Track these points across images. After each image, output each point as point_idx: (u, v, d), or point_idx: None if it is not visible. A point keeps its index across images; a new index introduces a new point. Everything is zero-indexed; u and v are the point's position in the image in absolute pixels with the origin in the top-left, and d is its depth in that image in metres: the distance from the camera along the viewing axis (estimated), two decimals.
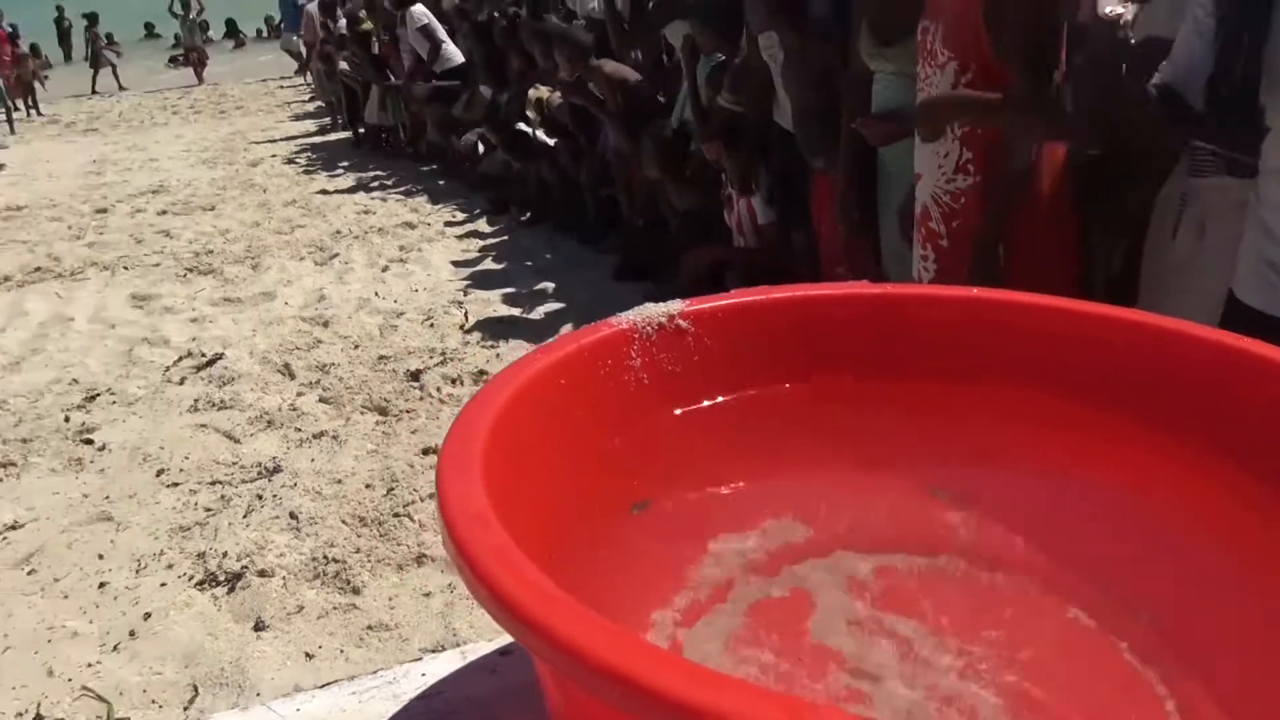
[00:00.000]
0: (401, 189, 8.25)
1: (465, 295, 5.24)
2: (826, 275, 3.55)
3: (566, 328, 4.62)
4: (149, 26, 24.64)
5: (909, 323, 1.07)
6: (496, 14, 7.16)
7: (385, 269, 5.85)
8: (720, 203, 4.29)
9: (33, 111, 15.98)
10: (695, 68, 4.27)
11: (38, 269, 6.39)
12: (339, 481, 3.28)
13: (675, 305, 1.00)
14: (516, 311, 4.96)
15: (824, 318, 1.07)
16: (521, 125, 6.52)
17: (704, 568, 0.97)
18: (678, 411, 1.02)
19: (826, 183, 3.36)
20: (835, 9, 3.25)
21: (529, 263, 5.80)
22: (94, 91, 18.58)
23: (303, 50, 17.87)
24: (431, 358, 4.33)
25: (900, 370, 1.06)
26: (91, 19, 19.51)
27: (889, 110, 2.87)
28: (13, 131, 13.78)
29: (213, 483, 3.36)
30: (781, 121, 3.71)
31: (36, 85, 17.12)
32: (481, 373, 4.11)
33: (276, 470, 3.39)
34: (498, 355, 4.31)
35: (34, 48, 18.74)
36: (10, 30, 17.12)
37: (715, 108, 4.10)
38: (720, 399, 1.05)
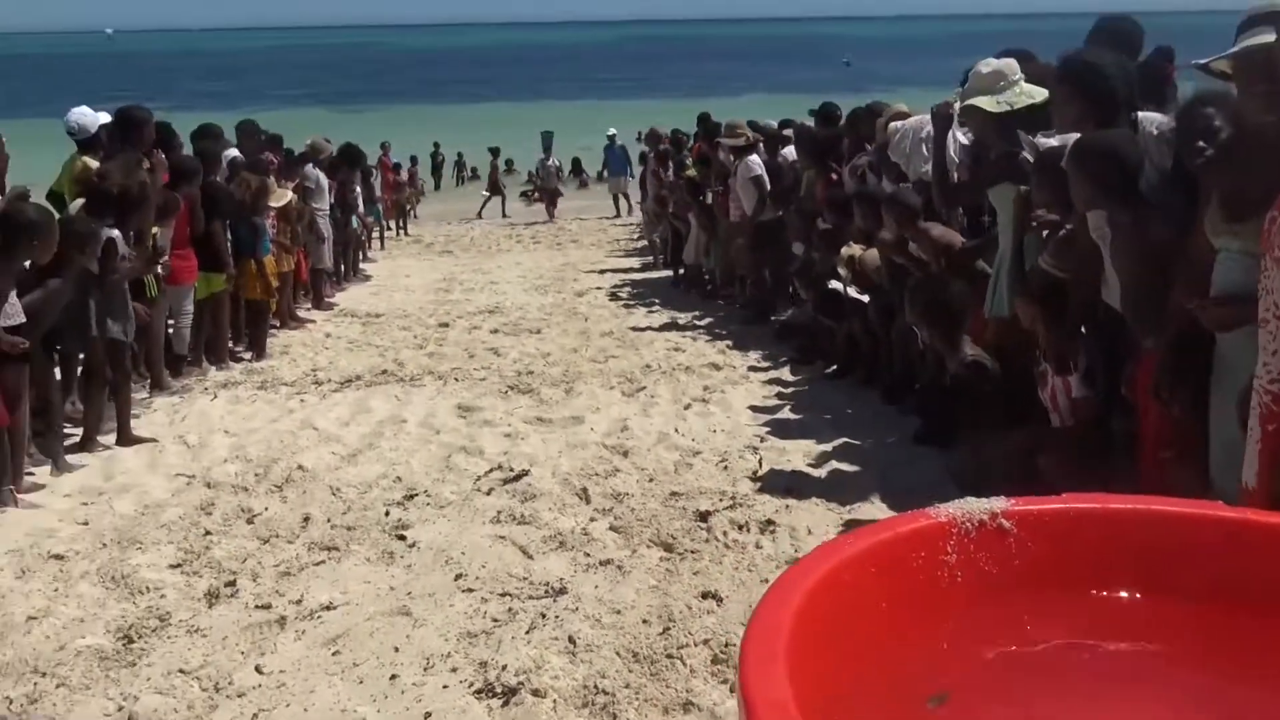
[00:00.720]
0: (712, 330, 8.52)
1: (762, 442, 5.27)
2: (1148, 461, 3.28)
3: (869, 503, 4.50)
4: (508, 163, 27.41)
5: (1271, 556, 0.94)
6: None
7: (688, 406, 6.01)
8: (1008, 372, 4.11)
9: (402, 232, 18.06)
10: (1025, 229, 4.16)
11: (384, 371, 7.11)
12: (618, 612, 3.33)
13: (999, 503, 0.94)
14: (811, 465, 4.91)
15: (1168, 537, 0.96)
16: (833, 283, 6.58)
17: None
18: (990, 615, 0.95)
19: (1154, 364, 3.13)
20: (1171, 182, 3.08)
21: (828, 416, 5.75)
22: (480, 215, 20.82)
23: (627, 192, 19.45)
24: (722, 500, 4.35)
25: (1256, 605, 0.94)
26: (494, 151, 22.09)
27: (1231, 293, 2.66)
28: (382, 248, 15.63)
29: (503, 594, 3.52)
30: (1109, 299, 3.52)
31: (409, 209, 19.42)
32: (769, 522, 4.07)
33: (562, 591, 3.49)
34: (787, 507, 4.26)
35: (412, 176, 21.31)
36: (396, 162, 19.62)
37: (1036, 269, 3.96)
38: (1038, 609, 0.97)
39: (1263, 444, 2.40)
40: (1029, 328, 3.98)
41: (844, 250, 6.23)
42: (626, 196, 19.66)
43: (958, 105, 4.52)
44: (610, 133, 20.96)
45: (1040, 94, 4.13)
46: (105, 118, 6.36)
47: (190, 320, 6.92)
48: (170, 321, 6.74)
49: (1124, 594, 0.97)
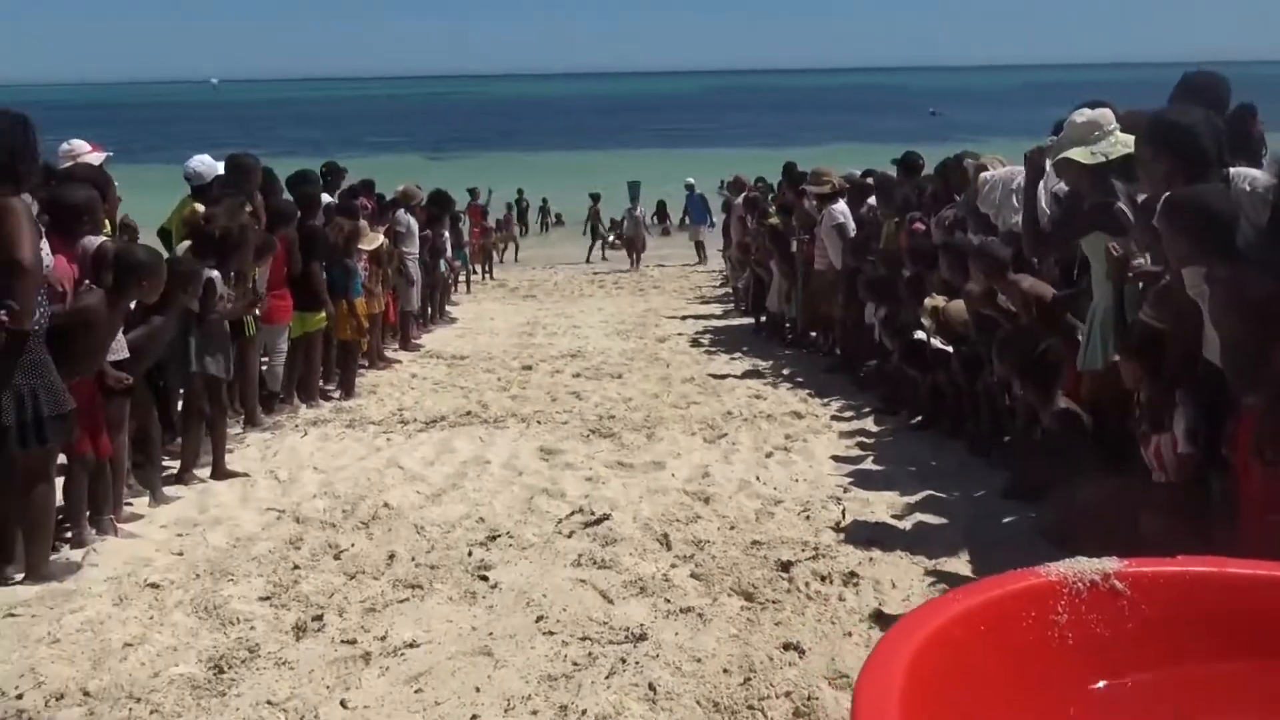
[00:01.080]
0: (794, 378, 8.46)
1: (845, 492, 5.20)
2: (1251, 523, 3.16)
3: (954, 557, 4.41)
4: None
5: None
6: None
7: (769, 454, 5.97)
8: (1102, 427, 4.00)
9: (487, 276, 18.37)
10: (1123, 281, 4.07)
11: (468, 413, 7.21)
12: (699, 660, 3.30)
13: (1111, 564, 0.92)
14: (895, 517, 4.83)
15: None
16: (919, 333, 6.50)
17: None
18: (1101, 682, 0.92)
19: (1256, 423, 3.02)
20: (1269, 237, 2.98)
21: (912, 468, 5.66)
22: (588, 260, 21.16)
23: (704, 240, 19.63)
24: (804, 550, 4.30)
25: None
26: (595, 197, 22.53)
27: None
28: (469, 291, 15.91)
29: (583, 638, 3.51)
30: (1209, 355, 3.41)
31: (494, 254, 19.78)
32: (852, 574, 4.01)
33: (642, 638, 3.47)
34: (871, 560, 4.19)
35: (498, 222, 21.73)
36: (484, 207, 20.04)
37: (1138, 323, 3.86)
38: (1150, 674, 0.94)
39: None
40: (1131, 386, 3.88)
41: (927, 301, 6.16)
42: (704, 244, 19.84)
43: (1050, 155, 4.46)
44: (689, 181, 21.17)
45: (1133, 143, 4.06)
46: (221, 168, 6.64)
47: (284, 358, 7.12)
48: (265, 359, 6.95)
49: (1240, 661, 0.94)
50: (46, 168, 5.06)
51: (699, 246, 20.21)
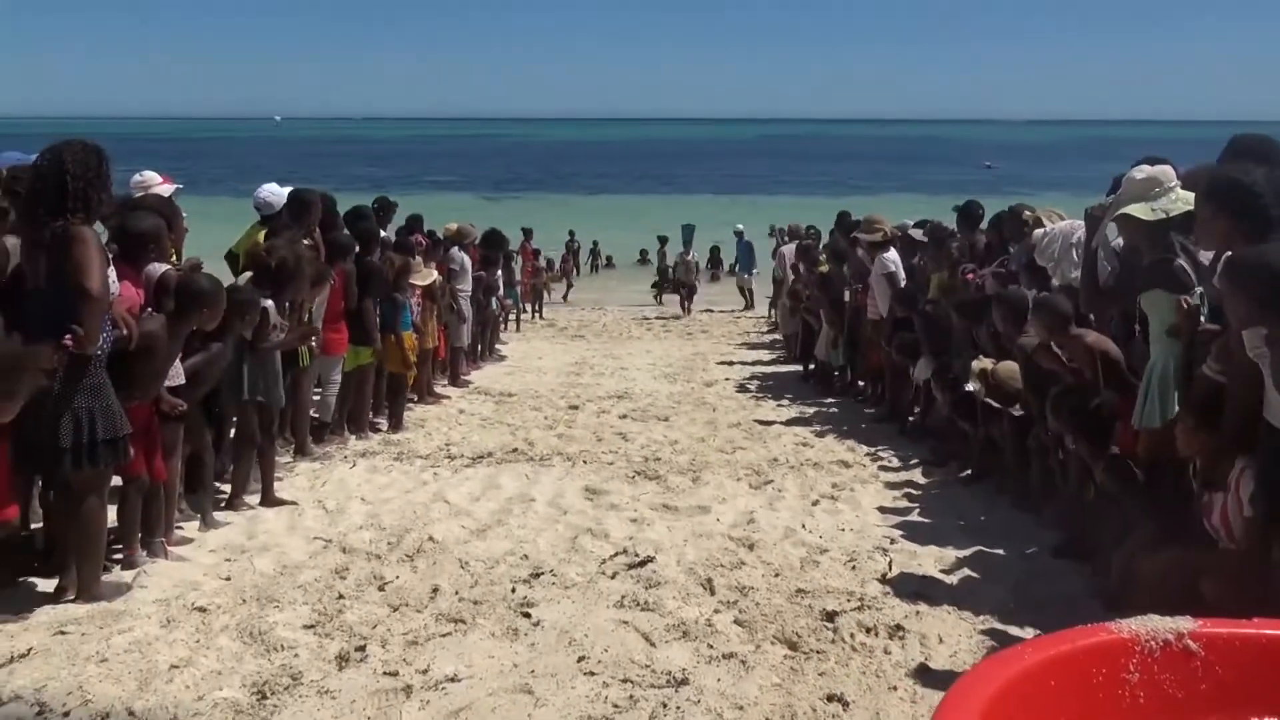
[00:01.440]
0: (841, 427, 8.39)
1: (892, 543, 5.13)
2: None
3: (1004, 614, 4.32)
4: (642, 253, 27.94)
5: None
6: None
7: (815, 503, 5.91)
8: (1159, 487, 3.91)
9: (537, 316, 18.50)
10: (1191, 335, 4.01)
11: (515, 450, 7.24)
12: (740, 708, 3.26)
13: (1185, 623, 0.90)
14: (943, 571, 4.75)
15: None
16: (970, 386, 6.42)
17: None
18: None
19: None
20: None
21: (962, 522, 5.57)
22: (659, 300, 21.20)
23: (753, 287, 19.59)
24: (849, 601, 4.25)
25: None
26: (663, 240, 22.77)
27: None
28: (518, 330, 16.03)
29: (624, 680, 3.48)
30: (1270, 418, 3.33)
31: (545, 294, 19.92)
32: (899, 628, 3.94)
33: (684, 683, 3.44)
34: (918, 613, 4.12)
35: (549, 261, 21.92)
36: (536, 248, 20.20)
37: (1198, 379, 3.79)
38: None
39: None
40: (1187, 447, 3.79)
41: (975, 364, 6.09)
42: (752, 291, 19.82)
43: (1109, 211, 4.42)
44: (738, 228, 21.21)
45: (1194, 199, 4.01)
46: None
47: (337, 390, 7.21)
48: (318, 389, 7.04)
49: None
50: (119, 198, 5.20)
51: (746, 292, 20.21)
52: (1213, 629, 0.89)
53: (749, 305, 19.81)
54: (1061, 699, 0.82)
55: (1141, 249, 4.30)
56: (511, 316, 15.67)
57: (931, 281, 8.13)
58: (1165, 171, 4.20)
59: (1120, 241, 4.65)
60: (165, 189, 5.98)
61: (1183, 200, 4.04)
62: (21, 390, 3.78)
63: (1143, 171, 4.22)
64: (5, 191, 4.37)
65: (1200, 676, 0.88)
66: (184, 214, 5.97)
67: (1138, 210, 4.11)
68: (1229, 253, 3.37)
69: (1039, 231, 5.94)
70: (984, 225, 7.97)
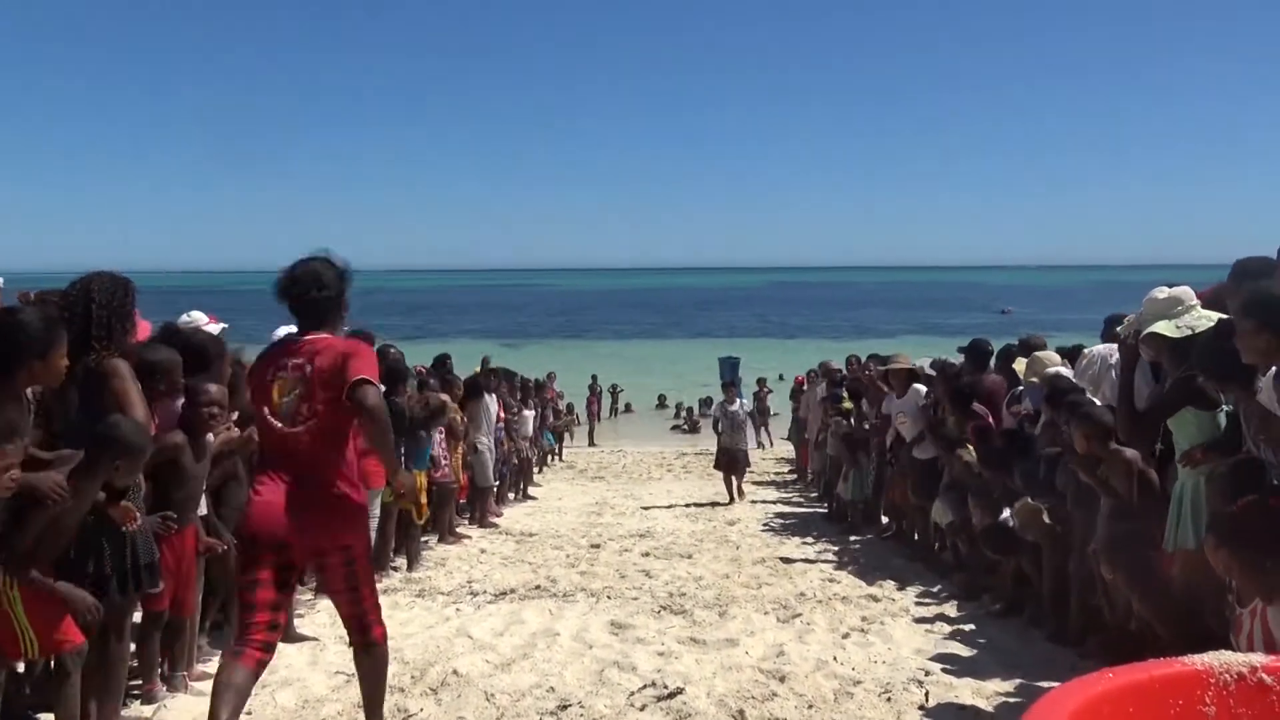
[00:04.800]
0: (868, 562, 8.26)
1: (927, 675, 4.98)
2: None
3: None
4: (661, 398, 28.20)
5: None
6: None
7: (846, 635, 5.77)
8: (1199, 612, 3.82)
9: (556, 458, 18.52)
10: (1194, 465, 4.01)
11: (537, 587, 7.15)
12: None
13: (1258, 658, 0.89)
14: (981, 702, 4.59)
15: None
16: (1005, 515, 6.34)
17: None
18: None
19: None
20: None
21: (998, 654, 5.41)
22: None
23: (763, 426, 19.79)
24: None
25: None
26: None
27: None
28: (540, 471, 16.05)
29: None
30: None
31: (567, 436, 20.02)
32: None
33: None
34: None
35: (569, 406, 22.10)
36: (559, 390, 20.43)
37: (1217, 508, 3.74)
38: None
39: None
40: (1222, 575, 3.73)
41: (1017, 505, 6.02)
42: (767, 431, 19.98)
43: (1125, 330, 4.49)
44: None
45: (1216, 317, 4.07)
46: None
47: (377, 523, 7.18)
48: None
49: None
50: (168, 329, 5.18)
51: (762, 433, 20.35)
52: None
53: (768, 444, 19.86)
54: None
55: (1168, 369, 4.34)
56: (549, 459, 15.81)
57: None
58: (1185, 291, 4.28)
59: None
60: (213, 328, 6.01)
61: (1205, 318, 4.10)
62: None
63: (1163, 292, 4.29)
64: None
65: (1278, 711, 0.87)
66: (236, 356, 5.78)
67: (1163, 328, 4.16)
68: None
69: (1052, 372, 6.03)
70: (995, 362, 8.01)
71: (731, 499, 12.66)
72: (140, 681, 4.50)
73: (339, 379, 3.50)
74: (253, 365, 4.07)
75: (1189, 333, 4.09)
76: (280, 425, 3.58)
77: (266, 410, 3.63)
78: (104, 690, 4.10)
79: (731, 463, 12.92)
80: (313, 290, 3.68)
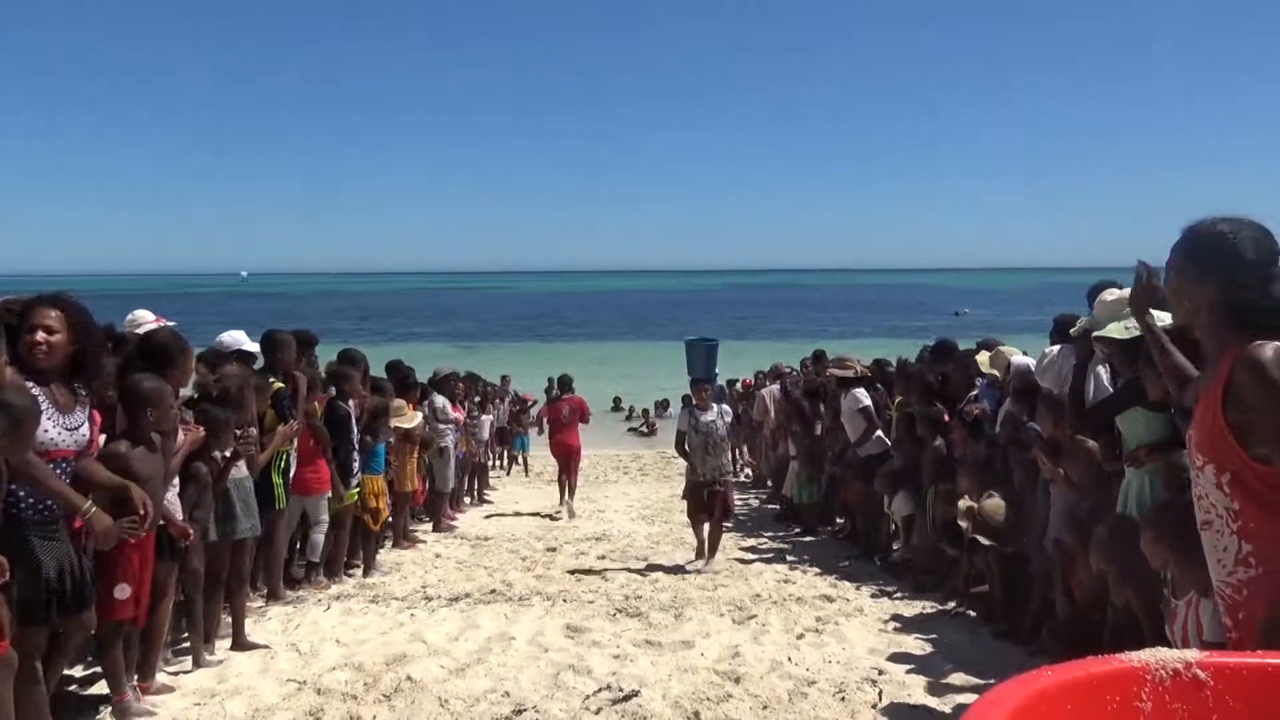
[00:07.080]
0: (823, 564, 8.32)
1: (880, 674, 5.03)
2: None
3: None
4: (616, 400, 28.20)
5: None
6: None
7: (800, 636, 5.81)
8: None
9: (513, 463, 18.42)
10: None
11: (493, 591, 7.11)
12: None
13: (1192, 654, 0.91)
14: (933, 701, 4.64)
15: None
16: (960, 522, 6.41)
17: None
18: None
19: None
20: None
21: (949, 652, 5.48)
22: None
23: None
24: None
25: None
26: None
27: None
28: (508, 474, 16.02)
29: None
30: None
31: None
32: None
33: None
34: None
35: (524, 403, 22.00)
36: (520, 394, 20.23)
37: (1160, 504, 3.81)
38: None
39: (1239, 638, 2.10)
40: (1159, 568, 3.80)
41: (961, 504, 6.11)
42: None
43: (1075, 331, 4.57)
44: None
45: (1166, 317, 4.14)
46: (247, 344, 6.61)
47: (326, 528, 7.10)
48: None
49: None
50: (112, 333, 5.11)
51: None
52: (1220, 658, 0.90)
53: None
54: None
55: (1120, 369, 4.41)
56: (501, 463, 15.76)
57: (893, 419, 8.25)
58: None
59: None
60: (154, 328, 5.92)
61: (1155, 317, 4.17)
62: None
63: (1112, 294, 4.37)
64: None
65: (1211, 706, 0.89)
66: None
67: (1113, 330, 4.23)
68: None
69: (1019, 361, 6.10)
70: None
71: (701, 554, 8.35)
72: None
73: None
74: None
75: (1137, 334, 4.16)
76: None
77: None
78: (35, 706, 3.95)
79: (707, 503, 8.32)
80: None
